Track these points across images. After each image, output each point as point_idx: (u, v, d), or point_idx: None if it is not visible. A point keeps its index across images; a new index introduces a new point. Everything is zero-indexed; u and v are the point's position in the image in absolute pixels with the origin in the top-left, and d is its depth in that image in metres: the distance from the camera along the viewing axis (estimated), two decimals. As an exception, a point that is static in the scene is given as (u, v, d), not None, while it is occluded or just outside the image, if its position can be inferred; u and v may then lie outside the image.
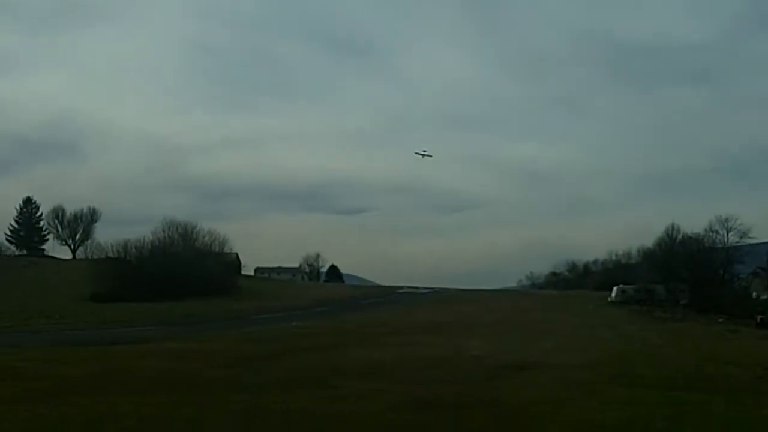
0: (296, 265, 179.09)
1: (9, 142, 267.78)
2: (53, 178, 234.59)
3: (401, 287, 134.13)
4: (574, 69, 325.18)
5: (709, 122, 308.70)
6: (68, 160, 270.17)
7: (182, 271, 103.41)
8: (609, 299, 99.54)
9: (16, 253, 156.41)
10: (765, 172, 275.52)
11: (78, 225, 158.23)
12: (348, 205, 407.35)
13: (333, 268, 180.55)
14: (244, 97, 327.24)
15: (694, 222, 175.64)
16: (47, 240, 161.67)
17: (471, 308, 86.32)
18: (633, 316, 77.31)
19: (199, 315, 74.49)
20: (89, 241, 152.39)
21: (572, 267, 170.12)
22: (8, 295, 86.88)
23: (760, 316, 75.79)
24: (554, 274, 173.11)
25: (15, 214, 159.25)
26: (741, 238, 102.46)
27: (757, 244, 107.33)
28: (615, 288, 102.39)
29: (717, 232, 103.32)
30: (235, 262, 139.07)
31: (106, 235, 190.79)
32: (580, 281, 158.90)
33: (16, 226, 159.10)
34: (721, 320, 75.76)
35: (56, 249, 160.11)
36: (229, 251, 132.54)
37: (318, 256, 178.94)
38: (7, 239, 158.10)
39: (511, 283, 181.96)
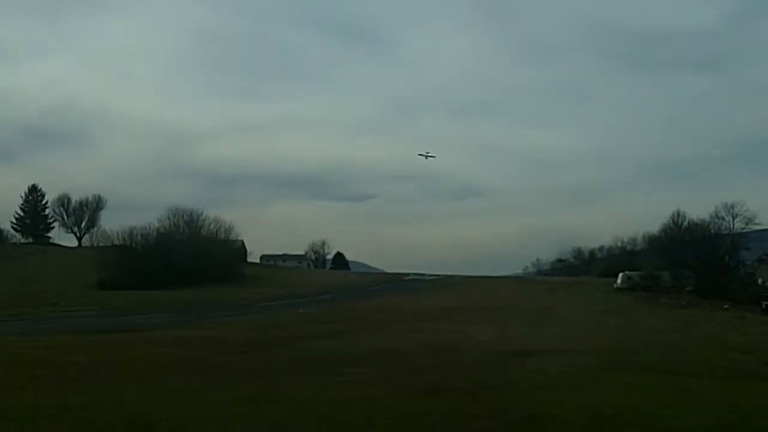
0: (302, 252, 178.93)
1: (15, 130, 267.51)
2: (59, 166, 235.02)
3: (407, 274, 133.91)
4: (581, 56, 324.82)
5: (716, 109, 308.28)
6: (74, 147, 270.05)
7: (188, 259, 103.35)
8: (614, 286, 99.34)
9: (22, 241, 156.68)
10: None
11: (83, 213, 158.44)
12: (354, 192, 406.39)
13: (339, 256, 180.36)
14: (251, 84, 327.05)
15: (700, 208, 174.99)
16: (53, 228, 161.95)
17: (477, 295, 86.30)
18: (638, 303, 77.26)
19: (204, 302, 74.63)
20: (95, 229, 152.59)
21: (578, 254, 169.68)
22: (14, 283, 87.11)
23: (765, 303, 75.75)
24: (560, 260, 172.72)
25: (20, 202, 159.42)
26: (747, 224, 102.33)
27: (763, 230, 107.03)
28: (621, 274, 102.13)
29: (723, 218, 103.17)
30: (240, 250, 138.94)
31: (112, 223, 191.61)
32: (585, 268, 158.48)
33: (22, 214, 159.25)
34: (726, 306, 75.71)
35: (62, 237, 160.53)
36: (234, 238, 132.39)
37: (324, 243, 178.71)
38: (12, 227, 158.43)
39: (517, 270, 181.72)
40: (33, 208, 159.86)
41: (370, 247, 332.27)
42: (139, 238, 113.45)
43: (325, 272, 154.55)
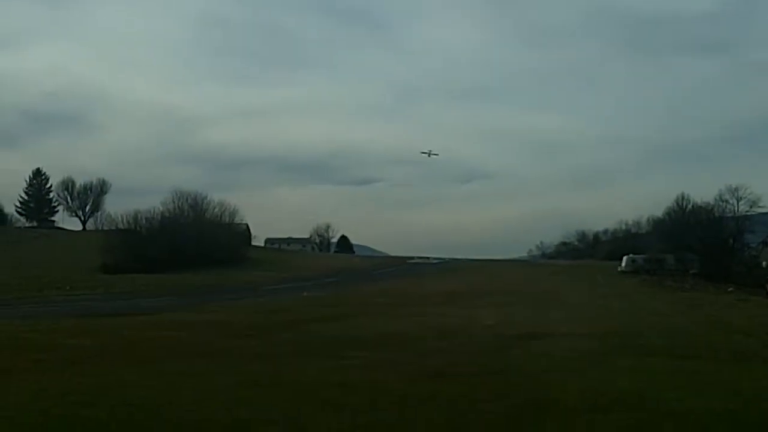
0: (306, 235, 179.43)
1: (19, 114, 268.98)
2: (63, 150, 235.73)
3: (412, 258, 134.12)
4: (584, 40, 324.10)
5: (720, 92, 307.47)
6: (78, 131, 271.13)
7: (192, 242, 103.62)
8: (619, 269, 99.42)
9: (26, 224, 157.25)
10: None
11: (88, 196, 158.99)
12: (359, 175, 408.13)
13: (343, 239, 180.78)
14: (255, 68, 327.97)
15: (704, 191, 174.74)
16: (57, 212, 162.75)
17: (482, 278, 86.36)
18: (643, 286, 77.28)
19: (209, 286, 74.83)
20: (99, 213, 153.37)
21: (582, 237, 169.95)
22: (19, 267, 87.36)
23: (769, 285, 75.69)
24: (564, 244, 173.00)
25: (25, 186, 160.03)
26: (751, 207, 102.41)
27: (767, 213, 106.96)
28: (625, 258, 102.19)
29: (727, 201, 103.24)
30: (245, 233, 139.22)
31: (116, 207, 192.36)
32: (590, 251, 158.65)
33: (26, 197, 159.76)
34: (730, 289, 75.71)
35: (66, 221, 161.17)
36: (239, 222, 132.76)
37: (328, 226, 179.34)
38: (17, 211, 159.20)
39: (522, 253, 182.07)
40: (37, 192, 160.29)
41: (375, 230, 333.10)
42: (144, 221, 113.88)
43: (329, 256, 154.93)
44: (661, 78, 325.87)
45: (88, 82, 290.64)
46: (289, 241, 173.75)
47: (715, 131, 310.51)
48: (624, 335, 30.23)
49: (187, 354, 22.82)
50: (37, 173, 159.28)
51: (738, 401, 14.86)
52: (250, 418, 13.09)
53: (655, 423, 13.14)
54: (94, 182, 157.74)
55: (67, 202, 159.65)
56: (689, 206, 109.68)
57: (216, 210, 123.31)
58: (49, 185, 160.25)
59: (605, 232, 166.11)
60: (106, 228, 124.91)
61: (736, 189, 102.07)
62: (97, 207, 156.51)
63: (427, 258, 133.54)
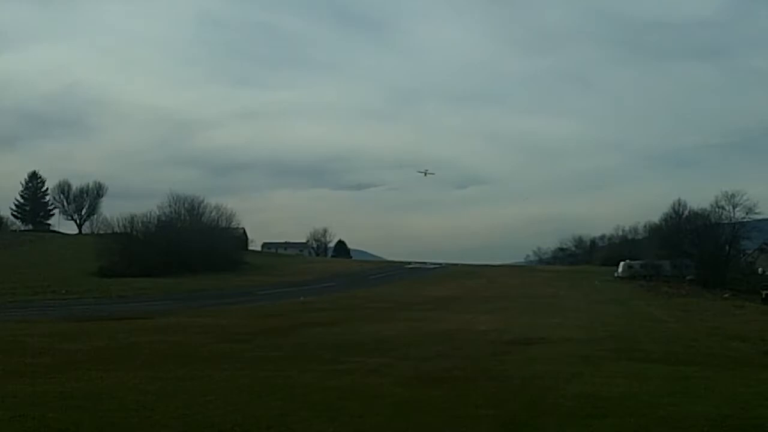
0: (303, 240, 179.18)
1: (15, 116, 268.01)
2: (59, 153, 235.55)
3: (409, 262, 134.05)
4: (583, 44, 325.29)
5: (717, 98, 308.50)
6: (75, 134, 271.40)
7: (189, 246, 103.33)
8: (615, 275, 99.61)
9: (22, 228, 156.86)
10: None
11: (84, 200, 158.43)
12: (356, 180, 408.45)
13: (340, 244, 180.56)
14: (254, 71, 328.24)
15: (701, 198, 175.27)
16: (53, 215, 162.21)
17: (478, 283, 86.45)
18: (639, 292, 77.39)
19: (205, 290, 74.72)
20: (95, 216, 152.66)
21: (579, 242, 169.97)
22: (14, 270, 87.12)
23: (765, 292, 75.90)
24: (561, 249, 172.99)
25: (21, 188, 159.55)
26: (747, 213, 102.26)
27: (764, 219, 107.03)
28: (621, 263, 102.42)
29: (723, 207, 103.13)
30: (242, 238, 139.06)
31: (113, 210, 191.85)
32: (587, 256, 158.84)
33: (22, 201, 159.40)
34: (726, 295, 75.86)
35: (62, 224, 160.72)
36: (236, 226, 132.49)
37: (325, 231, 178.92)
38: (12, 214, 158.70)
39: (519, 259, 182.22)
40: (33, 195, 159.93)
41: (372, 235, 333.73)
42: (140, 225, 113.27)
43: (326, 260, 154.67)
44: (659, 83, 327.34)
45: (86, 85, 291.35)
46: (286, 245, 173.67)
47: (712, 137, 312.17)
48: (620, 341, 30.28)
49: (183, 358, 22.77)
50: (33, 176, 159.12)
51: (733, 407, 14.90)
52: (245, 423, 13.08)
53: (650, 428, 13.17)
54: (91, 185, 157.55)
55: (63, 206, 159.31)
56: (686, 212, 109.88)
57: (213, 214, 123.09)
58: (45, 188, 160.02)
59: (602, 237, 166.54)
60: (102, 232, 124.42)
61: (733, 195, 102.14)
62: (93, 210, 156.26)
63: (424, 263, 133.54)
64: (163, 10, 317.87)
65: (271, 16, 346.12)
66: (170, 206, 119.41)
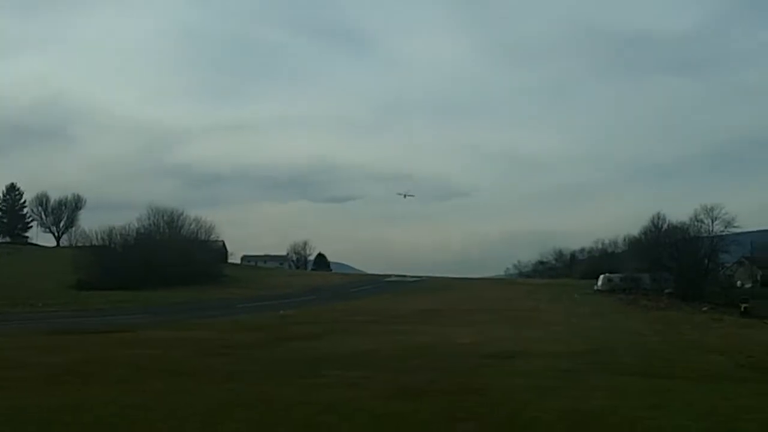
0: (283, 253, 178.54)
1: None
2: (38, 164, 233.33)
3: (389, 276, 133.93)
4: (563, 58, 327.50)
5: (697, 112, 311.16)
6: (54, 145, 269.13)
7: (168, 259, 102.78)
8: (595, 288, 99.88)
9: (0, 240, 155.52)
10: (751, 162, 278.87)
11: (62, 212, 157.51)
12: (336, 193, 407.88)
13: (320, 257, 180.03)
14: (234, 83, 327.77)
15: (680, 211, 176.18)
16: (31, 227, 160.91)
17: (458, 297, 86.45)
18: (619, 305, 77.67)
19: (184, 303, 74.32)
20: (73, 229, 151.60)
21: (559, 255, 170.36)
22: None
23: (743, 305, 76.52)
24: (541, 262, 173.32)
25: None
26: (726, 227, 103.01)
27: (742, 233, 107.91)
28: (601, 276, 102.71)
29: (702, 221, 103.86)
30: (221, 250, 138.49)
31: (91, 222, 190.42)
32: (566, 270, 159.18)
33: (0, 213, 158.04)
34: (705, 309, 76.30)
35: (40, 236, 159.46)
36: (215, 239, 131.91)
37: (305, 244, 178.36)
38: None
39: (499, 272, 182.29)
40: (11, 207, 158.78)
41: (353, 248, 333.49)
42: (119, 238, 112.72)
43: (306, 273, 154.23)
44: (639, 97, 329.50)
45: (66, 96, 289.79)
46: (266, 258, 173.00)
47: (691, 151, 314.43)
48: (600, 354, 30.38)
49: (162, 372, 22.63)
50: (11, 188, 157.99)
51: (712, 421, 14.95)
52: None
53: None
54: (69, 198, 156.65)
55: (41, 218, 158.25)
56: (665, 226, 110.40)
57: (192, 226, 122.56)
58: (23, 200, 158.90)
59: (582, 250, 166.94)
60: (80, 244, 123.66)
61: (712, 209, 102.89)
62: (71, 223, 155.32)
63: (404, 276, 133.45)
64: (145, 21, 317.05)
65: (255, 29, 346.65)
66: (149, 218, 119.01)
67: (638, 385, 20.63)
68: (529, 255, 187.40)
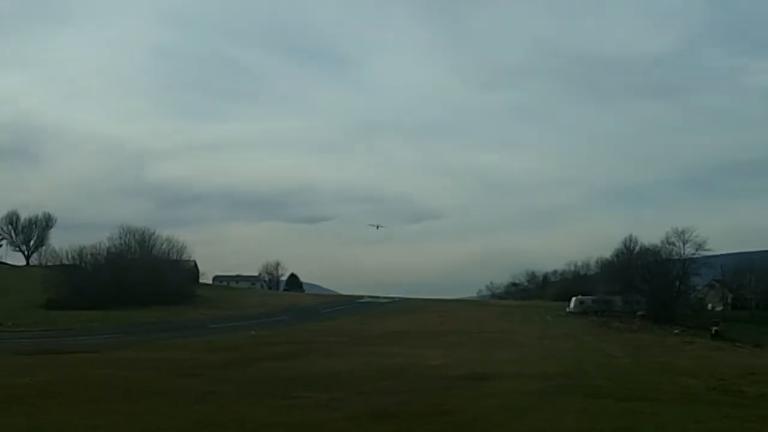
0: (256, 273, 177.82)
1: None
2: (8, 183, 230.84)
3: (362, 297, 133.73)
4: (537, 80, 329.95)
5: (669, 135, 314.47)
6: (24, 164, 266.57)
7: (139, 279, 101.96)
8: (567, 310, 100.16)
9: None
10: (722, 186, 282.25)
11: (32, 231, 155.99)
12: (309, 213, 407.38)
13: (293, 277, 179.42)
14: (206, 103, 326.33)
15: (652, 234, 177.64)
16: (0, 246, 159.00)
17: (431, 318, 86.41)
18: (591, 327, 77.93)
19: (156, 323, 73.82)
20: (44, 248, 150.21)
21: (532, 277, 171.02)
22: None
23: (714, 328, 77.22)
24: (514, 284, 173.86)
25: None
26: (697, 249, 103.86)
27: (713, 256, 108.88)
28: (573, 299, 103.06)
29: (674, 243, 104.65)
30: (193, 270, 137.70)
31: (62, 242, 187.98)
32: (539, 292, 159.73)
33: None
34: (676, 331, 76.82)
35: (9, 255, 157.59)
36: (187, 259, 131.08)
37: (278, 264, 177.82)
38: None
39: (471, 293, 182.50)
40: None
41: (325, 268, 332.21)
42: (89, 257, 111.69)
43: (278, 294, 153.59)
44: (612, 120, 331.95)
45: (35, 114, 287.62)
46: (238, 278, 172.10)
47: (663, 174, 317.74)
48: (571, 376, 30.46)
49: (132, 393, 22.39)
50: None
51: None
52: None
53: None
54: (40, 216, 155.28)
55: (11, 237, 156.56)
56: (637, 248, 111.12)
57: (164, 246, 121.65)
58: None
59: (554, 272, 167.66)
60: (50, 263, 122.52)
61: (683, 232, 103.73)
62: (41, 242, 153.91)
63: (377, 297, 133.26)
64: (116, 40, 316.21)
65: (226, 48, 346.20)
66: (120, 238, 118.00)
67: (610, 407, 20.66)
68: (501, 277, 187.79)
